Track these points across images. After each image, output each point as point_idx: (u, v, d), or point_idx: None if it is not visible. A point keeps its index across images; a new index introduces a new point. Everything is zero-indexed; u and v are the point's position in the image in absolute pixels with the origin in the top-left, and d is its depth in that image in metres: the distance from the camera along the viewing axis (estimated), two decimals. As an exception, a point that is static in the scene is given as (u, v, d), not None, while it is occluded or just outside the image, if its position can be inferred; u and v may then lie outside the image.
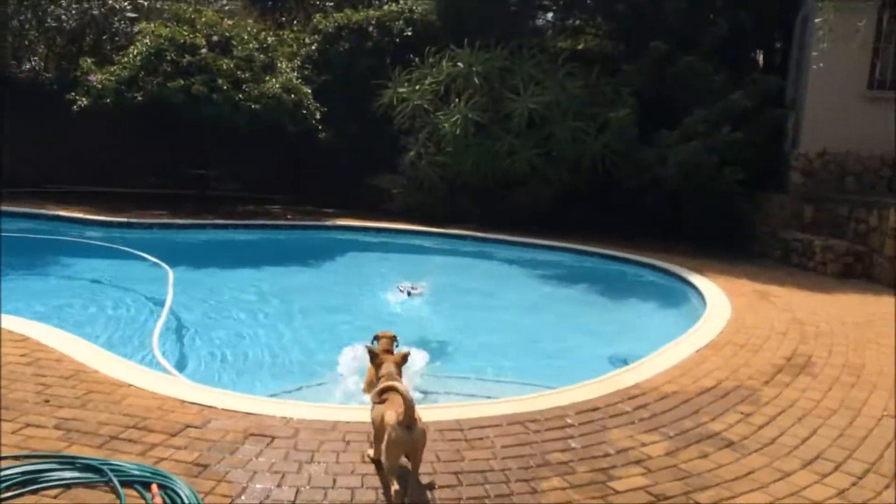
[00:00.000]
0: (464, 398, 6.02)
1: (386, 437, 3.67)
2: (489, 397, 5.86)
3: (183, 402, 4.87)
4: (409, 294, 9.46)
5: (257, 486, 3.82)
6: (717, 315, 8.15)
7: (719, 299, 8.98)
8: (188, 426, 4.49)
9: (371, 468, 4.08)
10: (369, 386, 4.58)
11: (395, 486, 3.59)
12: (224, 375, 6.28)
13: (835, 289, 10.22)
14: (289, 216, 15.27)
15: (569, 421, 4.95)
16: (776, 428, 4.99)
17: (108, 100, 13.80)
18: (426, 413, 4.93)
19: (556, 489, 3.99)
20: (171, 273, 9.50)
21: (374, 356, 4.47)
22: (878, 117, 13.01)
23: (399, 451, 3.67)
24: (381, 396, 3.81)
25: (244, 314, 8.40)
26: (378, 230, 14.24)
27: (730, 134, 13.03)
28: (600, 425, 4.90)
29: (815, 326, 7.89)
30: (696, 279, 10.21)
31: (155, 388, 5.08)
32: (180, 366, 6.30)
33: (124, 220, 12.96)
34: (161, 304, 8.22)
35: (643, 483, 4.11)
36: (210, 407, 4.81)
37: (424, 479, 3.91)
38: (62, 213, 13.05)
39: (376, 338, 4.81)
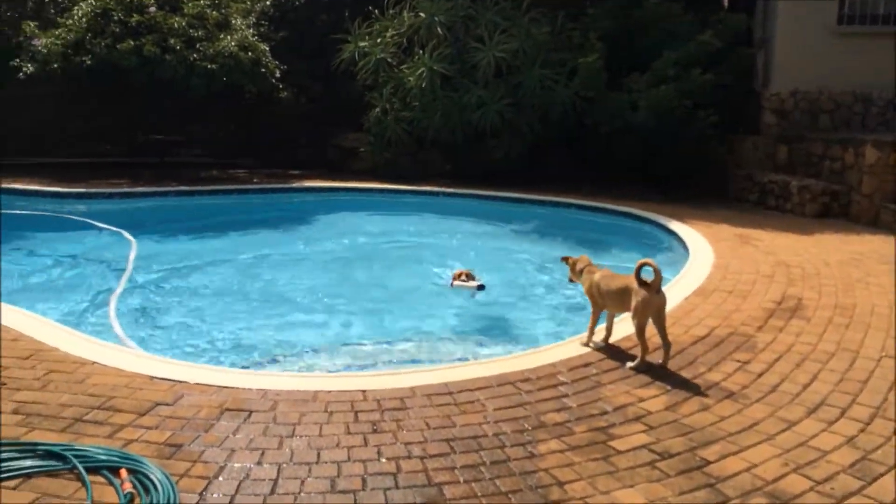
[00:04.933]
0: (451, 360, 5.76)
1: (637, 300, 4.73)
2: (477, 358, 5.63)
3: (152, 378, 4.56)
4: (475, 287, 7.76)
5: (235, 464, 3.55)
6: (701, 261, 7.97)
7: (701, 245, 8.80)
8: (158, 404, 4.19)
9: (358, 442, 3.82)
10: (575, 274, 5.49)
11: (644, 343, 4.81)
12: (197, 349, 5.91)
13: (814, 229, 10.11)
14: (255, 180, 14.78)
15: (562, 379, 4.72)
16: (776, 375, 4.82)
17: (56, 65, 13.12)
18: (412, 377, 4.72)
19: (554, 452, 3.76)
20: (134, 244, 9.07)
21: (568, 259, 5.56)
22: (849, 53, 12.85)
23: (648, 310, 4.72)
24: (636, 272, 4.80)
25: (216, 284, 7.95)
26: (348, 190, 13.82)
27: (701, 76, 12.77)
28: (595, 381, 4.68)
29: (801, 268, 7.75)
30: (676, 226, 10.03)
31: (121, 364, 4.75)
32: (147, 341, 5.93)
33: (82, 190, 12.40)
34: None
35: (645, 440, 3.90)
36: (181, 382, 4.50)
37: (417, 439, 3.69)
38: (15, 185, 12.43)
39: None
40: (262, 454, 3.65)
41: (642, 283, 4.76)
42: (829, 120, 13.15)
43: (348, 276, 8.67)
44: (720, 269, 7.67)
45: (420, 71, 14.42)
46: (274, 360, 5.66)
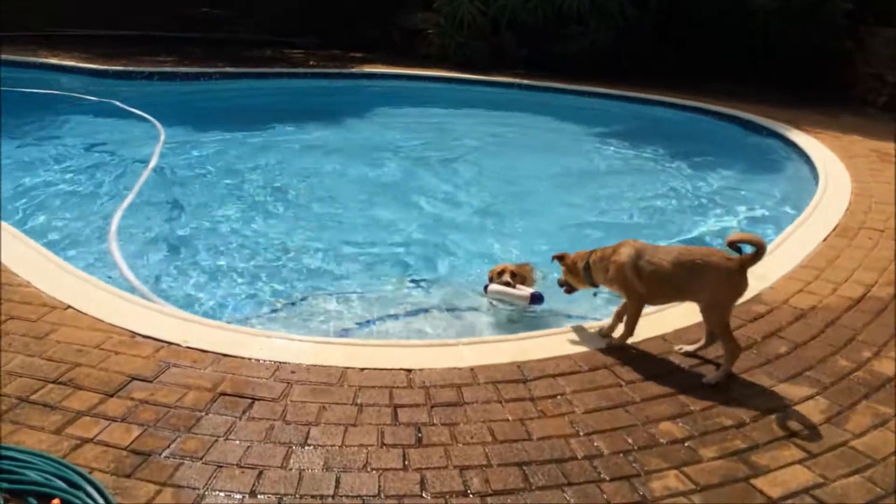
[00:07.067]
0: (523, 315, 4.53)
1: (722, 282, 3.28)
2: (555, 313, 4.39)
3: (134, 335, 3.51)
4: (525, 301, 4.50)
5: (218, 493, 2.49)
6: (836, 185, 6.47)
7: (830, 162, 7.26)
8: (134, 378, 3.15)
9: (394, 462, 2.70)
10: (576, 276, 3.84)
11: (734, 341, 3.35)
12: (205, 284, 4.75)
13: (968, 145, 8.36)
14: (312, 63, 13.42)
15: (674, 361, 3.49)
16: (974, 368, 3.49)
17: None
18: (473, 350, 3.57)
19: (674, 496, 2.59)
20: (162, 134, 7.93)
21: (563, 257, 3.89)
22: None
23: (734, 295, 3.36)
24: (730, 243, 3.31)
25: (251, 194, 6.67)
26: (410, 77, 12.36)
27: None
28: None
29: (966, 199, 6.20)
30: (797, 136, 8.43)
31: (100, 312, 3.70)
32: (148, 268, 4.82)
33: (120, 68, 11.27)
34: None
35: (806, 480, 2.69)
36: (170, 344, 3.45)
37: (478, 460, 2.56)
38: (52, 60, 11.39)
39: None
40: (259, 477, 2.59)
41: (732, 259, 3.29)
42: None
43: (401, 195, 7.06)
44: (862, 197, 6.17)
45: (501, -61, 12.61)
46: (297, 312, 4.40)
